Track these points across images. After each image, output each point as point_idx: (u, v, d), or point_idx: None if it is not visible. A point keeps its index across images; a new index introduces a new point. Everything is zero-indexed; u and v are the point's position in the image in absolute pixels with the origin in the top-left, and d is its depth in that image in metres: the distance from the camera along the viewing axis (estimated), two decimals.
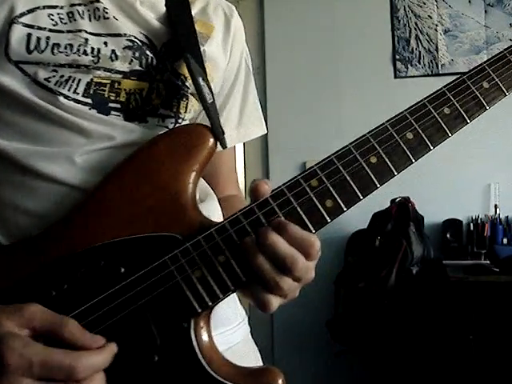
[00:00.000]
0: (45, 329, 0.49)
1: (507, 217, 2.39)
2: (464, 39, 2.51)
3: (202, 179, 0.73)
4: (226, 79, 0.80)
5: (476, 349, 1.93)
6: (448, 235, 2.40)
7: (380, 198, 2.36)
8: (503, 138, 2.45)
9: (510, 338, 1.90)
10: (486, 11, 2.49)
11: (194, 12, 0.75)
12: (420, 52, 2.57)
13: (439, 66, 2.54)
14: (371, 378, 2.36)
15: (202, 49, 0.71)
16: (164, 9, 0.71)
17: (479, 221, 2.38)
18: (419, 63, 2.56)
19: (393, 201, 2.33)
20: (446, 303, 2.05)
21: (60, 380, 0.47)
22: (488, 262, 2.20)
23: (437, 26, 2.56)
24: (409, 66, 2.57)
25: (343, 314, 2.28)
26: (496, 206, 2.41)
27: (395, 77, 2.58)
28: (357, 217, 2.41)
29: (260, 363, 0.79)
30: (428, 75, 2.54)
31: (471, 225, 2.38)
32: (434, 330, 2.08)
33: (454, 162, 2.48)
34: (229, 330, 0.72)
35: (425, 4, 2.57)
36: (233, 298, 0.71)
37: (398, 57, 2.59)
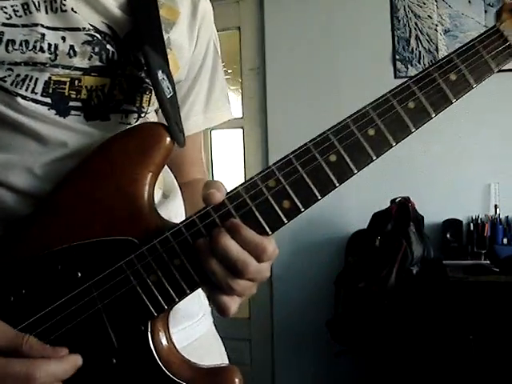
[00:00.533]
0: (4, 346, 0.49)
1: (507, 217, 2.39)
2: (464, 39, 2.50)
3: (168, 170, 0.73)
4: (192, 64, 0.77)
5: (476, 349, 1.93)
6: (448, 235, 2.40)
7: (380, 198, 2.36)
8: (503, 138, 2.45)
9: (510, 338, 1.90)
10: (486, 11, 2.49)
11: None
12: (420, 52, 2.57)
13: None
14: (371, 378, 2.36)
15: (166, 36, 0.69)
16: None
17: (479, 221, 2.38)
18: (419, 63, 2.56)
19: (393, 201, 2.33)
20: (446, 303, 2.05)
21: None
22: (488, 262, 2.20)
23: (437, 26, 2.56)
24: (409, 66, 2.57)
25: (343, 314, 2.28)
26: (496, 206, 2.41)
27: (395, 77, 2.58)
28: (357, 217, 2.41)
29: (223, 352, 0.80)
30: None
31: (471, 225, 2.38)
32: (434, 330, 2.08)
33: (454, 162, 2.48)
34: (192, 324, 0.73)
35: (425, 4, 2.57)
36: (196, 293, 0.71)
37: (398, 57, 2.59)
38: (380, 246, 2.21)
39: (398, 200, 2.32)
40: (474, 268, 2.08)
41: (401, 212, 2.28)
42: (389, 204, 2.33)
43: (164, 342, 0.57)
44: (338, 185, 0.57)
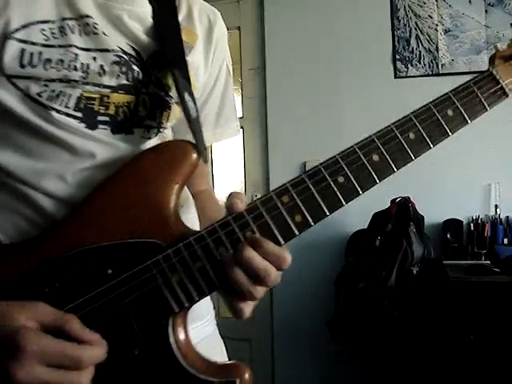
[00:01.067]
0: (51, 324, 0.54)
1: (507, 217, 2.39)
2: (464, 39, 2.51)
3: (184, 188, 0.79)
4: (206, 84, 0.84)
5: (476, 349, 1.93)
6: (448, 235, 2.40)
7: (380, 198, 2.36)
8: (504, 138, 2.45)
9: (510, 338, 1.89)
10: (486, 11, 2.48)
11: (180, 18, 0.79)
12: (420, 52, 2.56)
13: (439, 65, 2.54)
14: (371, 378, 2.36)
15: (186, 59, 0.75)
16: (151, 21, 0.74)
17: (479, 221, 2.38)
18: (419, 63, 2.56)
19: (393, 201, 2.33)
20: (447, 303, 2.05)
21: (66, 368, 0.53)
22: (488, 262, 2.20)
23: (437, 25, 2.55)
24: (409, 65, 2.57)
25: (343, 314, 2.27)
26: (496, 206, 2.41)
27: (395, 77, 2.58)
28: (357, 217, 2.41)
29: (225, 353, 0.87)
30: (428, 75, 2.53)
31: (471, 225, 2.38)
32: (434, 330, 2.08)
33: (454, 162, 2.48)
34: (201, 324, 0.80)
35: (425, 4, 2.57)
36: (207, 301, 0.80)
37: (398, 57, 2.59)
38: (380, 246, 2.21)
39: (398, 200, 2.32)
40: (474, 268, 2.07)
41: (401, 212, 2.28)
42: (389, 204, 2.33)
43: (182, 336, 0.62)
44: (344, 204, 0.65)
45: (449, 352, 2.03)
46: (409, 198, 2.33)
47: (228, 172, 2.98)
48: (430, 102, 0.69)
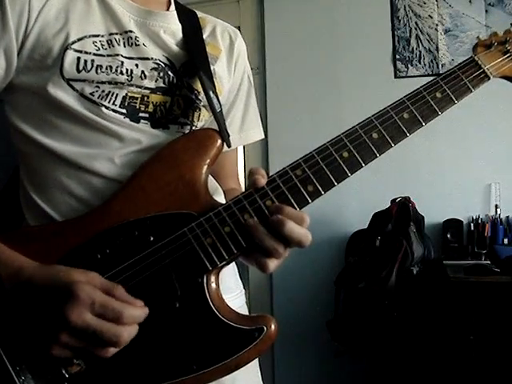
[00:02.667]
0: (102, 286, 0.65)
1: (508, 217, 2.39)
2: (464, 39, 2.50)
3: (212, 179, 0.89)
4: (230, 92, 0.96)
5: (477, 349, 1.93)
6: (448, 235, 2.40)
7: (380, 198, 2.36)
8: (504, 138, 2.44)
9: (510, 338, 1.89)
10: (486, 11, 2.48)
11: (205, 35, 0.92)
12: (420, 52, 2.56)
13: (440, 65, 2.54)
14: (371, 379, 2.36)
15: (212, 68, 0.88)
16: (181, 35, 0.88)
17: (480, 221, 2.38)
18: (419, 63, 2.56)
19: (393, 201, 2.33)
20: (447, 304, 2.05)
21: (110, 320, 0.63)
22: (488, 262, 2.19)
23: (437, 25, 2.55)
24: (409, 65, 2.57)
25: (343, 315, 2.27)
26: (497, 206, 2.41)
27: (395, 77, 2.58)
28: (357, 217, 2.41)
29: None
30: (428, 75, 2.53)
31: (472, 225, 2.38)
32: (434, 330, 2.08)
33: (454, 161, 2.48)
34: (232, 296, 0.90)
35: (425, 4, 2.57)
36: (234, 275, 0.95)
37: (398, 56, 2.59)
38: (380, 246, 2.21)
39: (398, 200, 2.32)
40: (474, 268, 2.07)
41: (401, 212, 2.28)
42: (389, 204, 2.33)
43: (215, 291, 0.72)
44: (350, 175, 0.74)
45: (449, 352, 2.03)
46: (409, 197, 2.33)
47: None
48: (421, 87, 0.79)
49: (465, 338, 1.94)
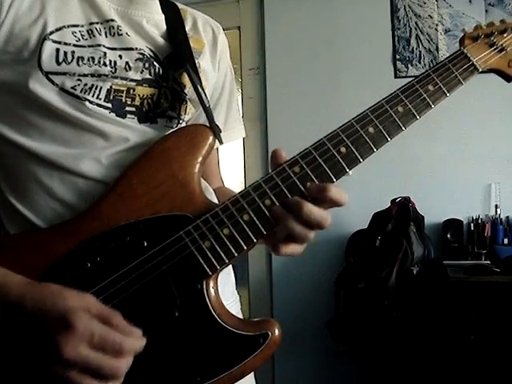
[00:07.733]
0: (98, 313, 0.59)
1: (508, 217, 2.39)
2: None
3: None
4: (215, 89, 0.93)
5: (477, 349, 1.93)
6: (448, 235, 2.39)
7: (380, 198, 2.36)
8: (504, 138, 2.44)
9: (510, 338, 1.89)
10: (486, 11, 2.48)
11: (187, 28, 0.88)
12: (420, 52, 2.56)
13: None
14: (371, 379, 2.36)
15: (196, 62, 0.84)
16: (165, 26, 0.83)
17: (480, 221, 2.38)
18: (419, 63, 2.56)
19: (393, 201, 2.33)
20: (447, 304, 2.05)
21: (108, 352, 0.58)
22: (489, 262, 2.19)
23: (437, 25, 2.55)
24: (409, 65, 2.57)
25: (343, 315, 2.27)
26: (497, 206, 2.41)
27: (395, 77, 2.57)
28: (357, 217, 2.41)
29: None
30: None
31: (472, 225, 2.38)
32: (434, 330, 2.08)
33: (454, 161, 2.48)
34: (227, 304, 0.87)
35: (425, 4, 2.57)
36: (232, 285, 0.90)
37: (398, 57, 2.59)
38: (380, 246, 2.21)
39: (398, 200, 2.32)
40: (474, 268, 2.07)
41: (401, 212, 2.28)
42: (389, 204, 2.33)
43: (215, 297, 0.69)
44: (348, 170, 0.72)
45: (449, 352, 2.03)
46: (409, 198, 2.33)
47: (228, 172, 2.98)
48: (413, 80, 0.78)
49: (465, 338, 1.94)
